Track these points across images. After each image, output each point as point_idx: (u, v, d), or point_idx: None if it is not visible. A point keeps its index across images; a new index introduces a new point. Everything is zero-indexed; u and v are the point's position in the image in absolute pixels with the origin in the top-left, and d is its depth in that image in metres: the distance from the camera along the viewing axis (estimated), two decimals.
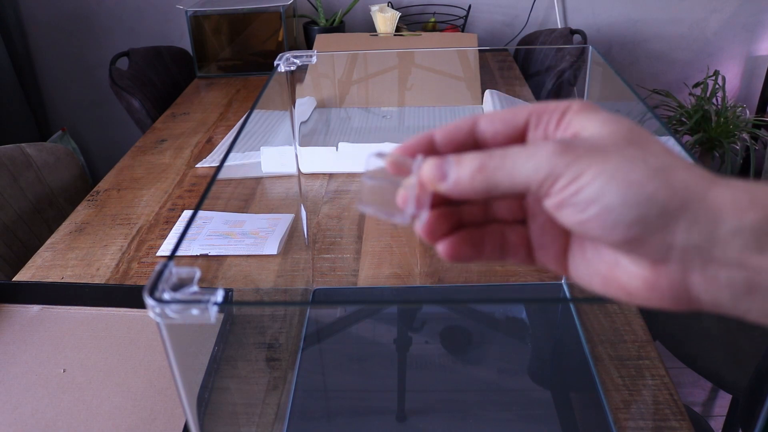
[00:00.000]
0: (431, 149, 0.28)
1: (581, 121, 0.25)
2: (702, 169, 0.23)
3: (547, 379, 0.65)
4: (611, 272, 0.25)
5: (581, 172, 0.22)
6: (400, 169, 0.27)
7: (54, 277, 0.82)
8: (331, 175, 1.06)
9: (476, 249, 0.29)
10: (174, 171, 1.12)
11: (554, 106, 0.26)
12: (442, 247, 0.28)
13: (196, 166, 1.14)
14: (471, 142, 0.28)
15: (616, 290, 0.25)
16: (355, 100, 1.36)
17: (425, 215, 0.27)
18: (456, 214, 0.29)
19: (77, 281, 0.81)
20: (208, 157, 1.17)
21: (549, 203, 0.24)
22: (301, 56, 0.65)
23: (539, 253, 0.29)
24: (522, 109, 0.27)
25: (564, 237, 0.28)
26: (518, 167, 0.23)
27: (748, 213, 0.21)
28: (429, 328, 0.71)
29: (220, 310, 0.30)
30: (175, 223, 0.94)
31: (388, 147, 0.97)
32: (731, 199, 0.22)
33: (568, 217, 0.23)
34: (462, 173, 0.25)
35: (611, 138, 0.24)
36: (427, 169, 0.26)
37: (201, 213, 0.37)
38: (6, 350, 0.68)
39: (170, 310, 0.29)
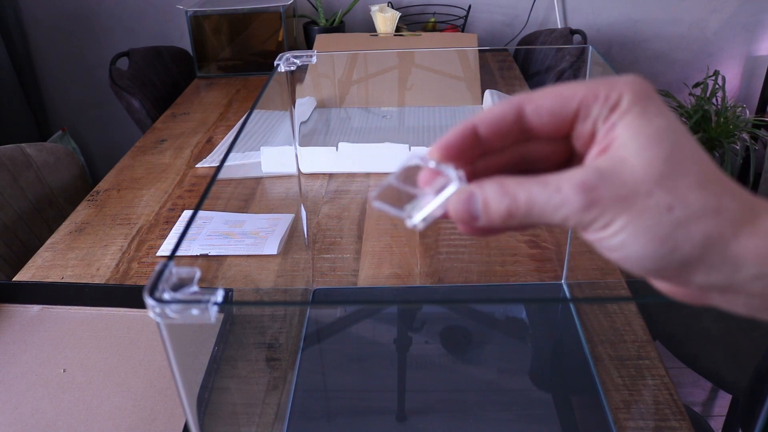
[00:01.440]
0: (474, 142, 0.27)
1: (624, 130, 0.24)
2: (736, 203, 0.23)
3: (547, 379, 0.65)
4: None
5: (608, 223, 0.23)
6: (436, 177, 0.26)
7: (54, 277, 0.82)
8: (331, 175, 1.06)
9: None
10: (174, 171, 1.12)
11: (605, 96, 0.25)
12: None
13: (196, 166, 1.14)
14: (516, 132, 0.27)
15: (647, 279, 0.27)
16: (355, 100, 1.36)
17: (429, 221, 0.26)
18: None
19: (77, 281, 0.81)
20: (208, 157, 1.17)
21: (585, 236, 0.25)
22: (301, 56, 0.65)
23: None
24: (571, 97, 0.26)
25: None
26: (548, 214, 0.24)
27: None
28: (429, 328, 0.72)
29: (220, 310, 0.30)
30: (175, 223, 0.94)
31: (390, 147, 0.95)
32: (754, 250, 0.22)
33: (600, 250, 0.25)
34: (492, 215, 0.25)
35: (644, 174, 0.23)
36: (455, 208, 0.26)
37: (201, 213, 0.38)
38: (6, 350, 0.68)
39: (170, 310, 0.29)
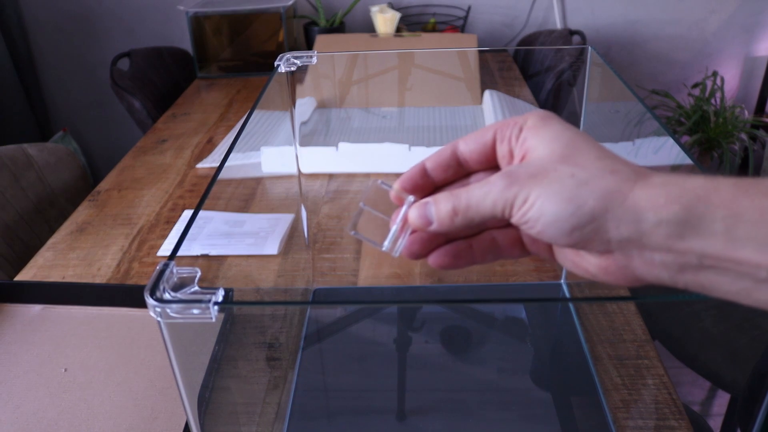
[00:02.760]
0: (425, 177, 0.34)
1: (532, 139, 0.30)
2: (629, 168, 0.28)
3: (547, 378, 0.65)
4: (577, 259, 0.30)
5: (526, 197, 0.28)
6: (401, 201, 0.33)
7: (55, 276, 0.82)
8: (331, 175, 1.07)
9: (462, 259, 0.34)
10: (175, 171, 1.12)
11: (513, 122, 0.32)
12: (432, 260, 0.34)
13: (197, 166, 1.14)
14: (455, 164, 0.34)
15: (582, 272, 0.30)
16: (355, 101, 1.36)
17: (401, 248, 0.32)
18: (441, 236, 0.34)
19: (78, 281, 0.81)
20: (208, 158, 1.17)
21: (512, 221, 0.29)
22: (301, 57, 0.65)
23: (531, 246, 0.34)
24: (489, 129, 0.33)
25: None
26: (482, 204, 0.29)
27: (665, 209, 0.25)
28: (429, 328, 0.72)
29: (221, 310, 0.30)
30: (175, 223, 0.94)
31: (390, 147, 0.96)
32: (647, 198, 0.26)
33: (527, 231, 0.29)
34: (441, 216, 0.30)
35: (550, 158, 0.29)
36: (413, 216, 0.32)
37: (202, 213, 0.38)
38: (7, 350, 0.68)
39: (171, 310, 0.30)
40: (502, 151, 0.32)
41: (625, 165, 0.28)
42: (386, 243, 0.32)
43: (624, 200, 0.26)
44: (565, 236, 0.27)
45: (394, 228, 0.32)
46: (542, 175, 0.28)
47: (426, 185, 0.34)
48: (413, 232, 0.33)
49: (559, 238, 0.28)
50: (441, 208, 0.30)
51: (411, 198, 0.33)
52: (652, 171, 0.28)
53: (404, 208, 0.33)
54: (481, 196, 0.29)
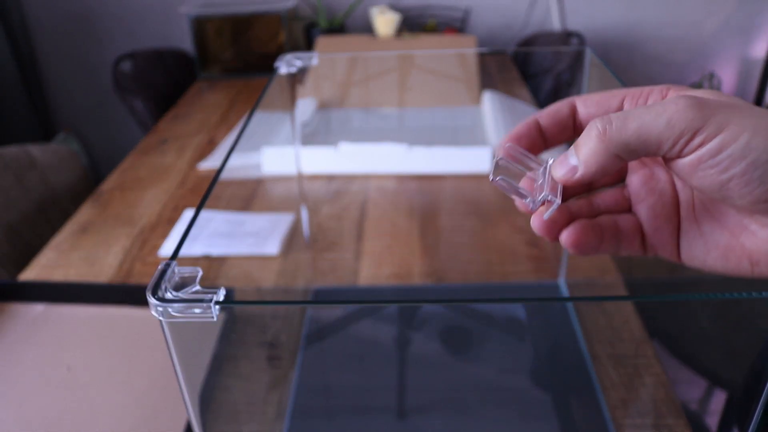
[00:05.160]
0: (538, 132, 0.29)
1: (686, 93, 0.24)
2: None
3: (546, 377, 0.65)
4: (734, 241, 0.25)
5: (722, 126, 0.21)
6: (522, 162, 0.29)
7: (58, 276, 0.83)
8: (331, 176, 1.07)
9: (597, 238, 0.28)
10: (176, 171, 1.13)
11: (649, 89, 0.26)
12: (566, 237, 0.28)
13: (198, 166, 1.14)
14: (571, 123, 0.29)
15: (737, 261, 0.25)
16: (355, 101, 1.36)
17: (557, 203, 0.27)
18: (566, 209, 0.29)
19: (81, 281, 0.81)
20: (209, 158, 1.17)
21: (684, 162, 0.22)
22: (302, 58, 0.66)
23: (653, 238, 0.28)
24: (617, 92, 0.28)
25: (675, 215, 0.28)
26: (648, 124, 0.22)
27: None
28: (429, 328, 0.72)
29: (222, 309, 0.30)
30: (177, 223, 0.95)
31: (390, 147, 0.96)
32: None
33: (707, 178, 0.22)
34: (587, 146, 0.24)
35: (730, 101, 0.23)
36: (557, 171, 0.26)
37: (203, 213, 0.38)
38: (10, 348, 0.69)
39: (173, 309, 0.30)
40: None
41: None
42: (531, 200, 0.28)
43: None
44: (761, 187, 0.21)
45: (539, 183, 0.28)
46: (736, 107, 0.22)
47: (539, 142, 0.29)
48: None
49: (755, 187, 0.21)
50: (581, 141, 0.24)
51: (550, 160, 0.28)
52: None
53: (548, 164, 0.28)
54: (649, 114, 0.22)
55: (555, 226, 0.28)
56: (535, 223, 0.28)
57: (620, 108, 0.27)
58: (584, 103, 0.28)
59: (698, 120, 0.21)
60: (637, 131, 0.22)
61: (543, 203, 0.28)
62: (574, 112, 0.29)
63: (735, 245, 0.25)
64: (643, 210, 0.29)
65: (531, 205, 0.28)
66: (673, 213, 0.28)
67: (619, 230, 0.29)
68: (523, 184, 0.29)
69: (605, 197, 0.30)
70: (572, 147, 0.25)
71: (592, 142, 0.23)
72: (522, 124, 0.29)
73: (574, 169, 0.25)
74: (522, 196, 0.28)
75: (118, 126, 2.17)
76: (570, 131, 0.29)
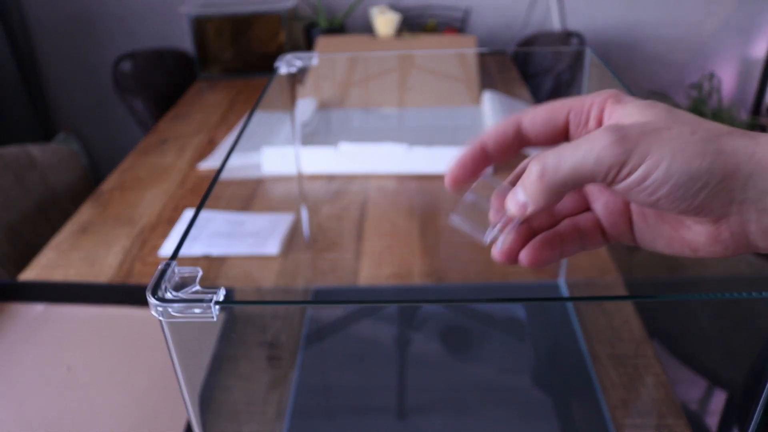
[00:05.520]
0: (483, 156, 0.30)
1: (620, 110, 0.27)
2: (739, 130, 0.26)
3: (546, 377, 0.65)
4: (675, 233, 0.28)
5: (644, 156, 0.24)
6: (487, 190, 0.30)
7: (58, 276, 0.83)
8: (331, 176, 1.07)
9: (555, 249, 0.31)
10: (176, 171, 1.13)
11: (590, 101, 0.28)
12: (524, 258, 0.30)
13: (198, 166, 1.14)
14: (518, 144, 0.30)
15: (680, 248, 0.28)
16: (355, 101, 1.36)
17: (509, 237, 0.30)
18: (528, 229, 0.31)
19: (81, 281, 0.81)
20: (209, 158, 1.17)
21: (617, 188, 0.25)
22: (302, 58, 0.66)
23: (611, 230, 0.31)
24: (560, 108, 0.29)
25: (627, 210, 0.31)
26: (579, 163, 0.25)
27: None
28: (429, 328, 0.72)
29: (222, 309, 0.30)
30: (177, 223, 0.95)
31: (390, 147, 0.96)
32: None
33: (639, 199, 0.25)
34: (529, 187, 0.26)
35: (656, 119, 0.25)
36: (510, 207, 0.28)
37: (203, 213, 0.38)
38: (11, 348, 0.69)
39: (173, 309, 0.30)
40: (578, 135, 0.29)
41: (738, 130, 0.26)
42: (487, 235, 0.30)
43: (752, 156, 0.24)
44: (690, 199, 0.24)
45: (498, 224, 0.30)
46: (657, 133, 0.24)
47: (484, 165, 0.31)
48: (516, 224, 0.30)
49: (681, 202, 0.25)
50: (525, 180, 0.26)
51: (470, 197, 0.30)
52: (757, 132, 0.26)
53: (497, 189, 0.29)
54: (580, 153, 0.25)
55: (512, 253, 0.31)
56: (494, 254, 0.31)
57: (566, 123, 0.29)
58: (531, 123, 0.30)
59: (623, 154, 0.24)
60: (571, 170, 0.25)
61: (494, 240, 0.30)
62: (519, 131, 0.30)
63: (676, 236, 0.28)
64: (599, 207, 0.32)
65: (483, 240, 0.30)
66: (625, 208, 0.31)
67: (580, 230, 0.31)
68: (493, 212, 0.30)
69: (565, 202, 0.32)
70: (520, 182, 0.27)
71: (535, 184, 0.26)
72: (467, 149, 0.30)
73: (525, 205, 0.27)
74: (479, 233, 0.30)
75: (118, 126, 2.17)
76: (515, 152, 0.31)
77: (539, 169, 0.26)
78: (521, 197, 0.27)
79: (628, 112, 0.27)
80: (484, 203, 0.31)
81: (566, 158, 0.25)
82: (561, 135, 0.30)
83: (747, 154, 0.24)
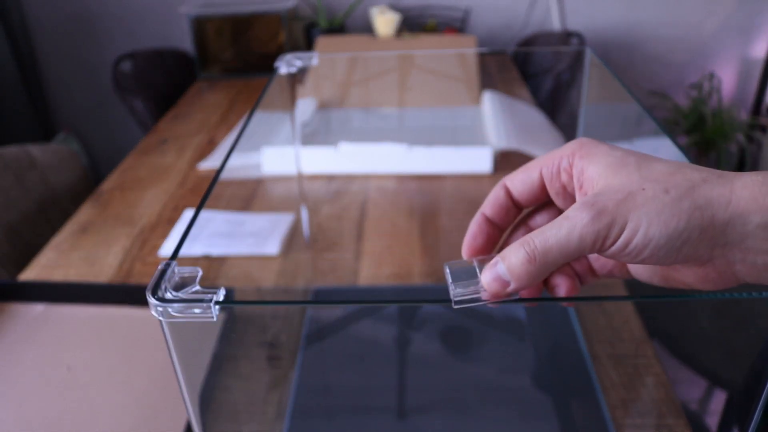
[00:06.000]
0: (490, 226, 0.32)
1: (590, 166, 0.28)
2: (708, 171, 0.27)
3: (546, 377, 0.65)
4: (668, 273, 0.29)
5: (623, 226, 0.25)
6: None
7: (58, 276, 0.83)
8: (331, 176, 1.07)
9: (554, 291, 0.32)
10: (176, 171, 1.13)
11: (557, 157, 0.30)
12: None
13: (198, 166, 1.14)
14: (512, 203, 0.32)
15: (675, 284, 0.29)
16: (355, 101, 1.36)
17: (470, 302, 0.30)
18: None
19: (81, 280, 0.81)
20: (209, 158, 1.17)
21: (606, 254, 0.27)
22: (302, 58, 0.66)
23: (602, 270, 0.33)
24: (533, 166, 0.31)
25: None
26: (565, 244, 0.26)
27: None
28: (429, 328, 0.72)
29: (222, 309, 0.30)
30: (177, 222, 0.95)
31: (390, 147, 0.96)
32: (751, 199, 0.25)
33: (626, 261, 0.27)
34: (515, 270, 0.27)
35: (628, 180, 0.27)
36: (487, 281, 0.28)
37: (203, 213, 0.38)
38: (10, 348, 0.69)
39: (173, 309, 0.30)
40: (554, 188, 0.31)
41: (702, 169, 0.27)
42: (456, 290, 0.29)
43: (728, 205, 0.25)
44: (674, 255, 0.26)
45: (472, 288, 0.29)
46: (631, 198, 0.26)
47: (495, 235, 0.32)
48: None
49: (666, 259, 0.26)
50: (513, 261, 0.27)
51: (475, 261, 0.30)
52: (733, 172, 0.27)
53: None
54: (563, 234, 0.26)
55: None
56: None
57: (541, 179, 0.31)
58: (512, 184, 0.32)
59: (604, 229, 0.25)
60: (558, 251, 0.26)
61: (461, 302, 0.30)
62: (509, 193, 0.32)
63: (670, 276, 0.29)
64: (593, 258, 0.33)
65: (452, 299, 0.30)
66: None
67: (576, 275, 0.32)
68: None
69: (541, 221, 0.34)
70: (498, 256, 0.28)
71: (524, 267, 0.27)
72: (472, 225, 0.32)
73: (506, 283, 0.27)
74: (452, 288, 0.30)
75: (118, 126, 2.18)
76: (514, 211, 0.32)
77: (527, 254, 0.26)
78: (502, 270, 0.27)
79: (599, 172, 0.28)
80: (477, 265, 0.30)
81: (551, 240, 0.26)
82: (540, 191, 0.31)
83: (722, 204, 0.25)
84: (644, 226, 0.25)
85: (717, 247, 0.26)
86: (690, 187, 0.26)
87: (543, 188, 0.31)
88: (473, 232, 0.32)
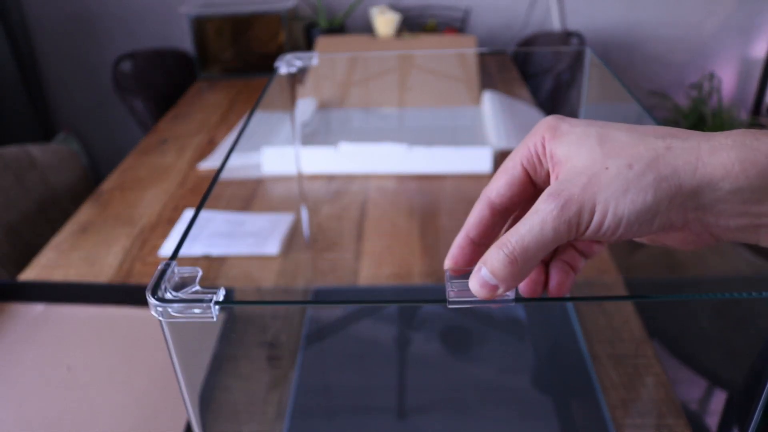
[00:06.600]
0: (472, 247, 0.32)
1: (559, 148, 0.28)
2: (674, 135, 0.26)
3: (546, 377, 0.65)
4: (653, 237, 0.29)
5: (592, 209, 0.26)
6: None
7: (58, 276, 0.83)
8: (331, 176, 1.07)
9: (542, 286, 0.32)
10: (176, 171, 1.13)
11: (532, 142, 0.29)
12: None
13: (198, 166, 1.14)
14: (499, 218, 0.31)
15: (662, 244, 0.29)
16: (355, 101, 1.36)
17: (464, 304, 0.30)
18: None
19: (81, 280, 0.81)
20: (209, 158, 1.17)
21: (583, 238, 0.27)
22: (302, 58, 0.66)
23: (588, 250, 0.32)
24: (513, 164, 0.30)
25: None
26: (541, 237, 0.26)
27: (741, 176, 0.25)
28: (429, 328, 0.72)
29: (222, 309, 0.30)
30: (177, 222, 0.95)
31: (390, 147, 0.96)
32: (720, 166, 0.25)
33: (604, 240, 0.27)
34: (498, 272, 0.27)
35: (590, 159, 0.27)
36: (475, 288, 0.28)
37: (203, 213, 0.38)
38: (11, 348, 0.69)
39: (172, 310, 0.30)
40: (541, 177, 0.30)
41: (666, 134, 0.27)
42: (452, 290, 0.30)
43: (694, 172, 0.25)
44: (647, 227, 0.26)
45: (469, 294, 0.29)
46: (596, 180, 0.26)
47: (476, 251, 0.31)
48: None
49: (641, 232, 0.26)
50: (495, 265, 0.27)
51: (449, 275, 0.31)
52: (700, 132, 0.27)
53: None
54: (536, 230, 0.26)
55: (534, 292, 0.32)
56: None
57: (526, 174, 0.30)
58: (498, 194, 0.31)
59: (573, 217, 0.26)
60: (536, 247, 0.26)
61: (454, 303, 0.30)
62: (494, 208, 0.31)
63: (654, 239, 0.29)
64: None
65: (447, 299, 0.30)
66: None
67: (567, 262, 0.32)
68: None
69: None
70: (480, 261, 0.28)
71: (507, 269, 0.27)
72: (454, 245, 0.32)
73: (494, 287, 0.28)
74: (449, 289, 0.30)
75: (118, 126, 2.18)
76: (500, 228, 0.32)
77: (507, 256, 0.27)
78: (490, 280, 0.27)
79: (564, 152, 0.28)
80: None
81: (527, 238, 0.26)
82: (528, 186, 0.31)
83: (688, 171, 0.25)
84: (612, 206, 0.25)
85: (689, 211, 0.26)
86: (654, 158, 0.26)
87: (530, 182, 0.31)
88: (455, 255, 0.32)
